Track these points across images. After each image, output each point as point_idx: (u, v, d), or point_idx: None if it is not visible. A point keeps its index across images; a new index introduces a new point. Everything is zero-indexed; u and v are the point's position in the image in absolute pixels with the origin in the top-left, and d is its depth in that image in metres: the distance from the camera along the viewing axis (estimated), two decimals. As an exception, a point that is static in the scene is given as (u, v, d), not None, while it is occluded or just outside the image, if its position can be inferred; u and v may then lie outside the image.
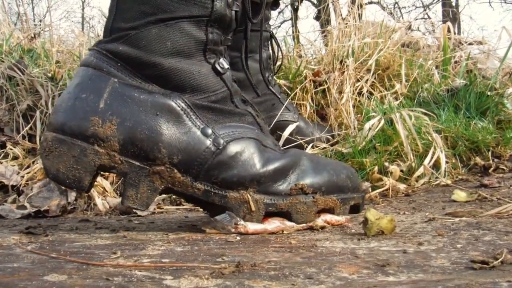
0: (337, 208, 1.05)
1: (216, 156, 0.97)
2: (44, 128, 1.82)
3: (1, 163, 1.62)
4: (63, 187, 0.97)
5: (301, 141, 1.70)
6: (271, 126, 1.67)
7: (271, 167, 0.99)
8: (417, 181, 1.50)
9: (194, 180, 0.97)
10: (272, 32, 1.74)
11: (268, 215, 1.00)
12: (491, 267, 0.66)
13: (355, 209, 1.09)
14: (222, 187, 0.97)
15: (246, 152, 0.99)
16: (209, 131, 0.97)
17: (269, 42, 1.74)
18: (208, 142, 0.97)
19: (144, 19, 0.96)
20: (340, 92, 2.05)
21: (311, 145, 1.71)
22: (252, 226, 0.97)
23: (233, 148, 0.98)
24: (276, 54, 1.79)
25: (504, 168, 1.59)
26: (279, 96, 1.74)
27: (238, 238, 0.94)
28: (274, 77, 1.83)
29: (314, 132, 1.76)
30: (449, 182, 1.50)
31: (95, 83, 0.96)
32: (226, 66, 1.03)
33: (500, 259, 0.67)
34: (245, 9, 1.07)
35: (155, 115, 0.94)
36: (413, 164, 1.55)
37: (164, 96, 0.96)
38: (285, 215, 1.01)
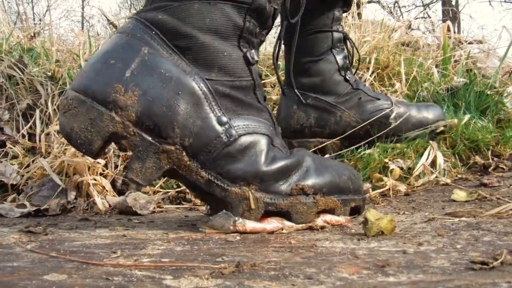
0: (337, 209, 1.05)
1: (225, 147, 0.97)
2: (44, 128, 1.82)
3: (1, 162, 1.62)
4: (73, 147, 0.97)
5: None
6: (370, 120, 1.67)
7: (275, 166, 0.99)
8: (416, 180, 1.50)
9: (199, 167, 0.97)
10: (346, 33, 1.75)
11: (268, 214, 1.00)
12: (491, 268, 0.66)
13: (355, 211, 1.09)
14: (226, 179, 0.97)
15: (255, 148, 0.99)
16: (224, 119, 0.97)
17: (344, 42, 1.74)
18: (221, 131, 0.97)
19: None
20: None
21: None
22: (250, 225, 0.97)
23: (244, 142, 0.98)
24: (352, 55, 1.79)
25: (504, 167, 1.59)
26: (363, 89, 1.72)
27: (238, 237, 0.94)
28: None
29: (424, 113, 1.73)
30: (448, 181, 1.50)
31: (126, 51, 0.97)
32: (256, 58, 1.04)
33: (500, 260, 0.67)
34: (285, 8, 1.09)
35: (177, 94, 0.95)
36: (413, 163, 1.55)
37: (189, 77, 0.96)
38: (284, 215, 1.00)
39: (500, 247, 0.77)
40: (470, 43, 2.73)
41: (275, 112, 1.79)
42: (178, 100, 0.95)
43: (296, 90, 1.66)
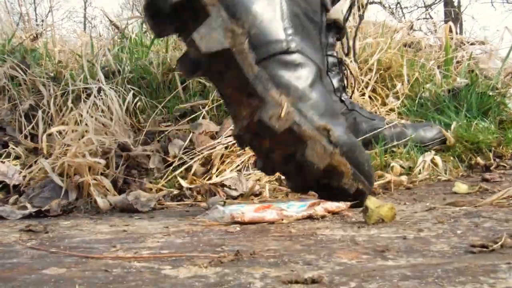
0: (346, 176, 1.04)
1: (282, 53, 1.01)
2: (46, 129, 1.82)
3: (3, 162, 1.62)
4: (145, 8, 1.01)
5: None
6: (368, 137, 1.69)
7: (316, 95, 1.04)
8: (417, 176, 1.50)
9: (255, 59, 1.00)
10: (341, 58, 1.79)
11: (288, 133, 1.00)
12: (490, 251, 0.66)
13: (357, 196, 1.08)
14: (272, 80, 1.00)
15: (306, 70, 1.04)
16: (290, 31, 1.04)
17: (338, 67, 1.78)
18: (283, 38, 1.03)
19: None
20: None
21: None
22: (249, 214, 0.98)
23: (298, 58, 1.03)
24: (348, 77, 1.84)
25: (505, 165, 1.59)
26: (359, 111, 1.75)
27: (237, 228, 0.94)
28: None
29: (421, 132, 1.74)
30: (450, 177, 1.50)
31: None
32: (329, 7, 1.16)
33: (500, 243, 0.67)
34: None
35: None
36: (414, 162, 1.55)
37: None
38: (299, 143, 1.01)
39: (500, 232, 0.77)
40: (472, 44, 2.72)
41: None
42: None
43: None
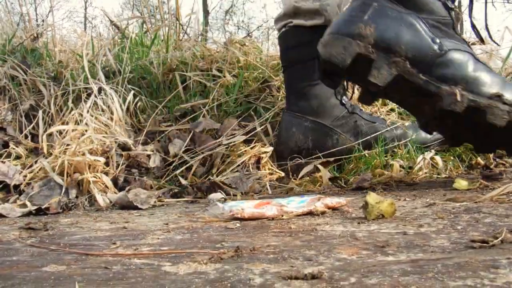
0: None
1: (438, 57, 1.27)
2: (46, 129, 1.82)
3: (4, 162, 1.62)
4: (331, 65, 1.33)
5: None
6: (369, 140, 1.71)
7: (479, 73, 1.27)
8: (417, 174, 1.50)
9: (418, 72, 1.27)
10: None
11: (468, 110, 1.24)
12: (491, 246, 0.65)
13: None
14: (439, 80, 1.27)
15: (462, 59, 1.28)
16: (437, 40, 1.29)
17: None
18: (435, 47, 1.28)
19: None
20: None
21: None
22: (248, 211, 0.98)
23: (453, 54, 1.28)
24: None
25: (505, 163, 1.59)
26: (359, 113, 1.75)
27: (237, 224, 0.94)
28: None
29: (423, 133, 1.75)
30: (450, 175, 1.50)
31: (361, 6, 1.31)
32: (452, 6, 1.34)
33: (500, 238, 0.67)
34: None
35: (400, 26, 1.29)
36: (414, 161, 1.55)
37: (407, 15, 1.30)
38: (479, 113, 1.24)
39: (500, 228, 0.76)
40: (472, 44, 2.71)
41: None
42: (402, 29, 1.29)
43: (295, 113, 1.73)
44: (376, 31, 1.29)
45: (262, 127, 1.82)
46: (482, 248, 0.65)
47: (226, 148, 1.69)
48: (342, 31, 1.32)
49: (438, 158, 1.55)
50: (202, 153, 1.66)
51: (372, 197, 0.90)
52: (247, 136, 1.75)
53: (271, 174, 1.64)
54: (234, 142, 1.69)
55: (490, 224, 0.81)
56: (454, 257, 0.61)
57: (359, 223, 0.89)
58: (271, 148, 1.70)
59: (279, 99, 1.98)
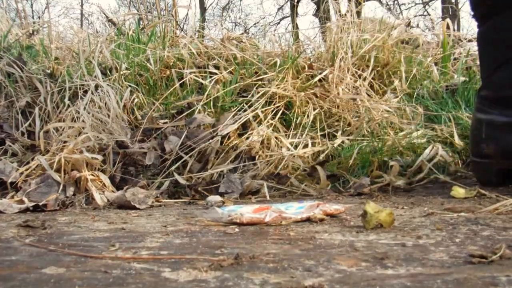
0: None
1: None
2: (43, 126, 1.82)
3: (0, 159, 1.61)
4: None
5: None
6: None
7: None
8: (415, 176, 1.50)
9: None
10: None
11: None
12: (489, 262, 0.66)
13: None
14: None
15: None
16: None
17: None
18: None
19: None
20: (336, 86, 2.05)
21: None
22: (247, 216, 0.98)
23: None
24: None
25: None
26: None
27: (236, 230, 0.94)
28: None
29: None
30: (447, 179, 1.50)
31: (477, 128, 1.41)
32: None
33: (499, 254, 0.67)
34: None
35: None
36: (412, 160, 1.55)
37: None
38: None
39: (499, 242, 0.77)
40: (469, 40, 2.72)
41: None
42: None
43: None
44: (496, 148, 1.34)
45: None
46: (480, 264, 0.65)
47: (221, 143, 1.70)
48: (473, 153, 1.39)
49: (442, 152, 1.55)
50: (196, 145, 1.66)
51: (371, 206, 0.90)
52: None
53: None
54: (228, 132, 1.70)
55: (488, 237, 0.81)
56: (453, 273, 0.61)
57: (357, 232, 0.89)
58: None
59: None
